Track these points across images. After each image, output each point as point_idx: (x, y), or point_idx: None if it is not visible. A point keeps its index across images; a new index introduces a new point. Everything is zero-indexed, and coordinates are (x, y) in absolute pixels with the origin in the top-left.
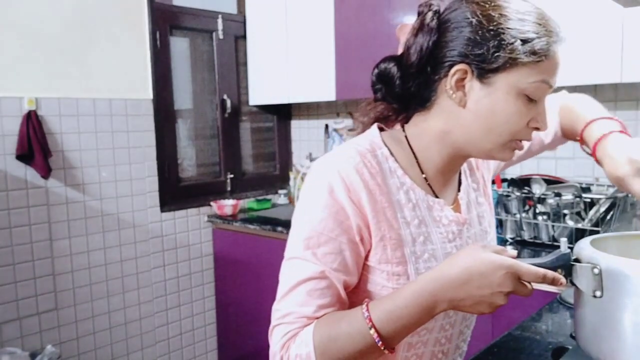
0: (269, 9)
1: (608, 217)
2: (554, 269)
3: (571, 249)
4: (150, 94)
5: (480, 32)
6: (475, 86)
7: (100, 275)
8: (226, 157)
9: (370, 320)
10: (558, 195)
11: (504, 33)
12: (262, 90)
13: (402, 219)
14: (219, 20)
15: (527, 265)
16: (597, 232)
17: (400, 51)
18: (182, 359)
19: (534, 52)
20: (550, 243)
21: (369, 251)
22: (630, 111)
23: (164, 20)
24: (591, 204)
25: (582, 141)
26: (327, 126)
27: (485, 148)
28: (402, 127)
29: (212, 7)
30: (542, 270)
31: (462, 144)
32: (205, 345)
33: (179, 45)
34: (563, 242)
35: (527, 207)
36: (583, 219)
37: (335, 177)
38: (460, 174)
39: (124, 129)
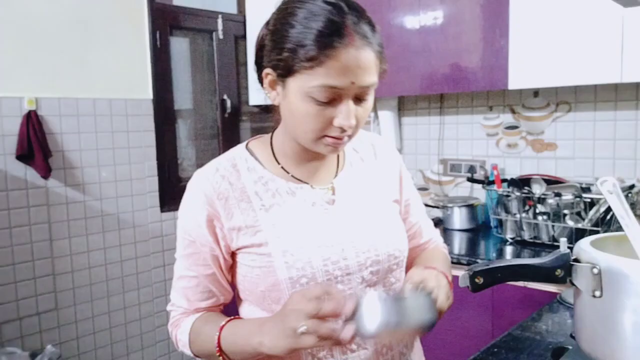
0: (269, 9)
1: (608, 217)
2: (553, 268)
3: (571, 249)
4: (150, 94)
5: (273, 38)
6: (279, 88)
7: (100, 275)
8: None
9: (219, 340)
10: (558, 195)
11: (284, 40)
12: (262, 90)
13: (260, 207)
14: (219, 20)
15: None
16: (597, 232)
17: None
18: (182, 359)
19: (309, 59)
20: (550, 243)
21: (231, 241)
22: (630, 111)
23: (164, 20)
24: (591, 204)
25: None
26: None
27: (302, 142)
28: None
29: (212, 7)
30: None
31: (295, 138)
32: None
33: (179, 45)
34: (563, 242)
35: (527, 207)
36: (583, 219)
37: (193, 188)
38: (339, 162)
39: (124, 129)
